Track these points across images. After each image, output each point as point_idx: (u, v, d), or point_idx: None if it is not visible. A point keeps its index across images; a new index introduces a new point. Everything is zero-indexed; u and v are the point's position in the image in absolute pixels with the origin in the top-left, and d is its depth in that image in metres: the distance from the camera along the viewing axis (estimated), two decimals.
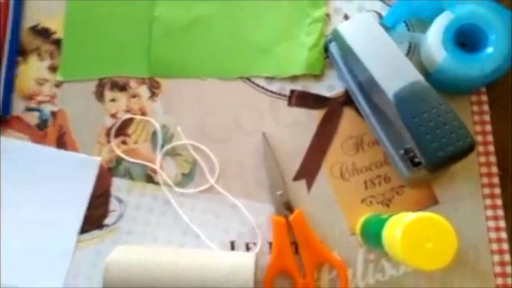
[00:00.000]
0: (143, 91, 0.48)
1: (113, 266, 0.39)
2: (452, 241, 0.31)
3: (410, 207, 0.45)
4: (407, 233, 0.30)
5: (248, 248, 0.45)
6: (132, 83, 0.49)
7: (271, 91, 0.48)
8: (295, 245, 0.45)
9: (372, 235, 0.39)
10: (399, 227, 0.30)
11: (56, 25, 0.50)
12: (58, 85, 0.49)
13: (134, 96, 0.48)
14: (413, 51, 0.47)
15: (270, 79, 0.48)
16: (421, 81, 0.39)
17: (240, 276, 0.39)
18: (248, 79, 0.48)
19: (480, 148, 0.46)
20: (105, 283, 0.39)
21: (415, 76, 0.39)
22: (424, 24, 0.47)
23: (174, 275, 0.39)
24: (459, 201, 0.45)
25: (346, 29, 0.42)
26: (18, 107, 0.49)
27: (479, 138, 0.46)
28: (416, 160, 0.43)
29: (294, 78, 0.48)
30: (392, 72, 0.39)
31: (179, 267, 0.40)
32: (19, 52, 0.49)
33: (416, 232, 0.30)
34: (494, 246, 0.44)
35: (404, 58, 0.40)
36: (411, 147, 0.42)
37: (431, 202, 0.45)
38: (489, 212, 0.45)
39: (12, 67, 0.49)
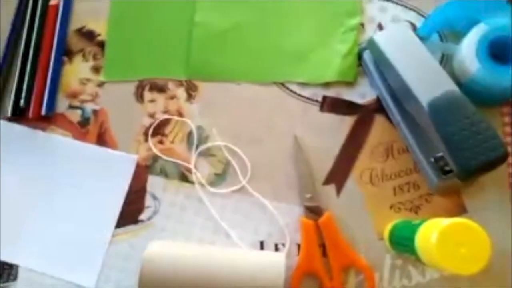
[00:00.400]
0: (181, 93, 0.50)
1: (149, 260, 0.41)
2: (485, 247, 0.32)
3: (439, 214, 0.44)
4: (442, 238, 0.31)
5: (277, 249, 0.46)
6: (171, 85, 0.51)
7: (304, 96, 0.49)
8: (323, 248, 0.46)
9: (402, 239, 0.39)
10: (435, 231, 0.31)
11: (100, 28, 0.53)
12: (100, 85, 0.51)
13: (172, 97, 0.50)
14: (445, 61, 0.48)
15: (303, 84, 0.49)
16: (455, 91, 0.40)
17: (271, 275, 0.40)
18: (282, 84, 0.50)
19: (511, 159, 0.46)
20: (142, 276, 0.41)
21: (449, 85, 0.40)
22: (456, 35, 0.48)
23: (208, 272, 0.41)
24: (487, 211, 0.45)
25: (382, 39, 0.43)
26: (62, 105, 0.51)
27: (509, 148, 0.46)
28: (446, 168, 0.43)
29: (326, 85, 0.49)
30: (427, 81, 0.40)
31: (212, 264, 0.41)
32: (65, 52, 0.52)
33: (451, 237, 0.31)
34: None
35: (438, 68, 0.41)
36: (442, 155, 0.43)
37: (459, 211, 0.46)
38: None
39: (58, 67, 0.51)
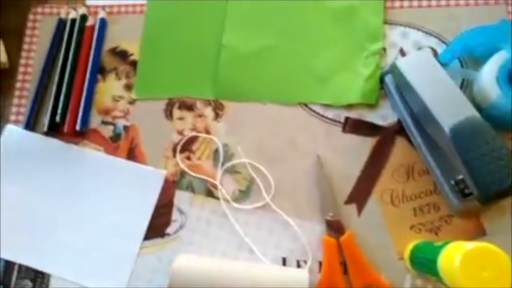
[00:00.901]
0: (208, 112, 0.53)
1: (178, 273, 0.43)
2: (507, 272, 0.32)
3: (458, 236, 0.47)
4: (466, 261, 0.32)
5: (299, 265, 0.48)
6: (199, 104, 0.53)
7: (327, 117, 0.51)
8: (344, 266, 0.47)
9: (424, 260, 0.40)
10: (458, 254, 0.32)
11: (133, 48, 0.55)
12: (132, 102, 0.54)
13: (200, 116, 0.53)
14: (465, 86, 0.50)
15: (327, 106, 0.51)
16: (477, 117, 0.41)
17: None
18: (306, 105, 0.52)
19: None
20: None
21: (471, 111, 0.41)
22: (476, 61, 0.49)
23: (233, 286, 0.42)
24: (506, 235, 0.46)
25: (404, 64, 0.44)
26: (95, 120, 0.54)
27: None
28: (467, 191, 0.44)
29: (349, 106, 0.51)
30: (449, 107, 0.41)
31: (238, 279, 0.43)
32: (99, 71, 0.55)
33: (474, 261, 0.32)
34: None
35: (460, 94, 0.42)
36: (462, 178, 0.44)
37: (479, 233, 0.47)
38: None
39: (92, 84, 0.54)
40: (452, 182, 0.45)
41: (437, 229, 0.47)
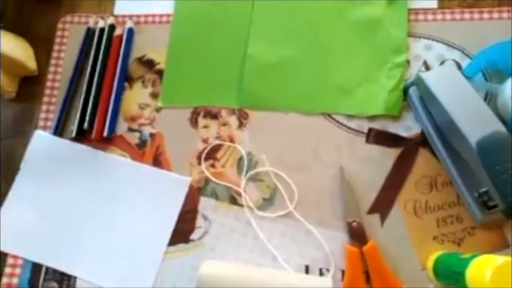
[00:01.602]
0: (233, 120, 0.54)
1: (204, 279, 0.44)
2: None
3: (481, 248, 0.47)
4: (496, 275, 0.32)
5: (321, 273, 0.48)
6: (223, 113, 0.54)
7: (350, 128, 0.52)
8: (366, 275, 0.47)
9: (450, 272, 0.40)
10: (489, 269, 0.33)
11: (159, 57, 0.57)
12: (158, 110, 0.55)
13: (224, 124, 0.54)
14: (489, 99, 0.50)
15: (350, 116, 0.52)
16: (503, 131, 0.41)
17: None
18: (329, 115, 0.52)
19: None
20: None
21: (497, 125, 0.42)
22: (500, 74, 0.49)
23: None
24: None
25: (430, 77, 0.45)
26: (122, 127, 0.55)
27: None
28: (490, 203, 0.45)
29: (372, 118, 0.52)
30: (475, 120, 0.42)
31: (263, 285, 0.43)
32: (126, 79, 0.56)
33: (505, 275, 0.32)
34: None
35: (486, 108, 0.43)
36: (486, 190, 0.44)
37: (502, 245, 0.47)
38: None
39: (120, 92, 0.55)
40: (476, 194, 0.45)
41: (460, 241, 0.47)
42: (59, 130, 0.55)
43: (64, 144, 0.54)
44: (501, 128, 0.42)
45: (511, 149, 0.40)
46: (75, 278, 0.50)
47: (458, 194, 0.48)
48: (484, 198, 0.45)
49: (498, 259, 0.33)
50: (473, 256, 0.37)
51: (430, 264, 0.45)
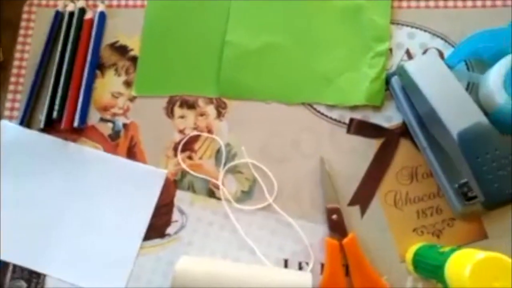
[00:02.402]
0: (211, 110, 0.52)
1: (180, 275, 0.42)
2: None
3: (460, 239, 0.47)
4: (476, 271, 0.32)
5: (300, 267, 0.47)
6: (201, 102, 0.52)
7: (331, 118, 0.50)
8: (346, 268, 0.47)
9: (429, 266, 0.40)
10: (469, 264, 0.32)
11: (133, 43, 0.54)
12: (131, 99, 0.53)
13: (202, 114, 0.52)
14: (471, 89, 0.49)
15: (331, 106, 0.51)
16: (485, 122, 0.41)
17: None
18: (310, 105, 0.51)
19: None
20: None
21: (480, 117, 0.41)
22: (483, 64, 0.49)
23: None
24: (508, 238, 0.46)
25: (413, 67, 0.44)
26: (93, 117, 0.52)
27: None
28: (470, 194, 0.44)
29: (354, 107, 0.50)
30: (457, 112, 0.41)
31: (243, 281, 0.42)
32: (98, 66, 0.53)
33: (484, 271, 0.32)
34: None
35: (469, 99, 0.42)
36: (466, 182, 0.44)
37: (480, 236, 0.47)
38: None
39: (91, 80, 0.53)
40: (456, 185, 0.45)
41: (439, 232, 0.47)
42: (26, 120, 0.52)
43: (32, 135, 0.51)
44: (484, 119, 0.41)
45: (492, 141, 0.40)
46: (44, 276, 0.48)
47: (438, 186, 0.47)
48: (464, 190, 0.45)
49: (478, 255, 0.33)
50: (452, 250, 0.36)
51: (409, 256, 0.45)
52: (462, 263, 0.33)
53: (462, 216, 0.47)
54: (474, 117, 0.41)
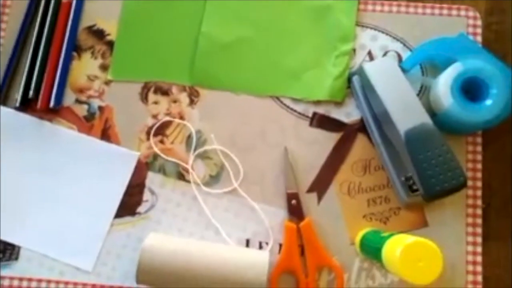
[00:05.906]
0: (184, 97, 0.54)
1: (148, 250, 0.46)
2: (439, 262, 0.38)
3: (404, 226, 0.52)
4: (405, 253, 0.37)
5: (261, 247, 0.52)
6: (174, 89, 0.54)
7: (296, 111, 0.54)
8: (301, 248, 0.51)
9: (371, 248, 0.45)
10: (399, 247, 0.37)
11: (110, 28, 0.55)
12: (107, 83, 0.54)
13: (175, 101, 0.54)
14: (423, 92, 0.54)
15: (296, 100, 0.54)
16: (429, 124, 0.45)
17: (256, 270, 0.46)
18: (277, 98, 0.54)
19: (470, 183, 0.52)
20: (140, 265, 0.45)
21: (425, 118, 0.46)
22: (436, 69, 0.53)
23: (201, 265, 0.46)
24: (445, 226, 0.52)
25: (371, 68, 0.48)
26: (69, 99, 0.54)
27: (469, 174, 0.53)
28: (414, 187, 0.50)
29: (317, 102, 0.54)
30: (406, 112, 0.45)
31: (205, 258, 0.46)
32: (75, 49, 0.55)
33: (412, 253, 0.37)
34: (470, 267, 0.51)
35: (417, 101, 0.46)
36: (411, 176, 0.49)
37: (422, 224, 0.52)
38: (470, 238, 0.51)
39: (67, 62, 0.54)
40: (403, 178, 0.50)
41: (386, 219, 0.52)
42: (2, 99, 0.53)
43: (8, 113, 0.53)
44: (428, 121, 0.46)
45: (434, 140, 0.45)
46: (19, 247, 0.51)
47: (388, 178, 0.52)
48: (409, 182, 0.50)
49: (408, 239, 0.38)
50: (391, 235, 0.42)
51: (357, 239, 0.50)
52: (395, 246, 0.38)
53: (407, 205, 0.52)
54: (420, 118, 0.45)
